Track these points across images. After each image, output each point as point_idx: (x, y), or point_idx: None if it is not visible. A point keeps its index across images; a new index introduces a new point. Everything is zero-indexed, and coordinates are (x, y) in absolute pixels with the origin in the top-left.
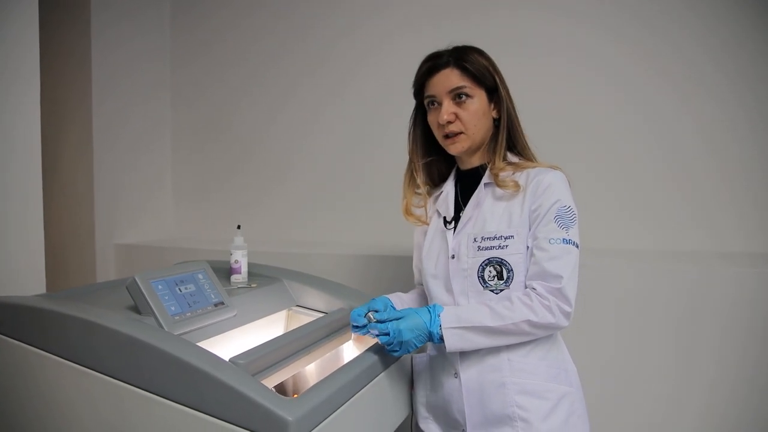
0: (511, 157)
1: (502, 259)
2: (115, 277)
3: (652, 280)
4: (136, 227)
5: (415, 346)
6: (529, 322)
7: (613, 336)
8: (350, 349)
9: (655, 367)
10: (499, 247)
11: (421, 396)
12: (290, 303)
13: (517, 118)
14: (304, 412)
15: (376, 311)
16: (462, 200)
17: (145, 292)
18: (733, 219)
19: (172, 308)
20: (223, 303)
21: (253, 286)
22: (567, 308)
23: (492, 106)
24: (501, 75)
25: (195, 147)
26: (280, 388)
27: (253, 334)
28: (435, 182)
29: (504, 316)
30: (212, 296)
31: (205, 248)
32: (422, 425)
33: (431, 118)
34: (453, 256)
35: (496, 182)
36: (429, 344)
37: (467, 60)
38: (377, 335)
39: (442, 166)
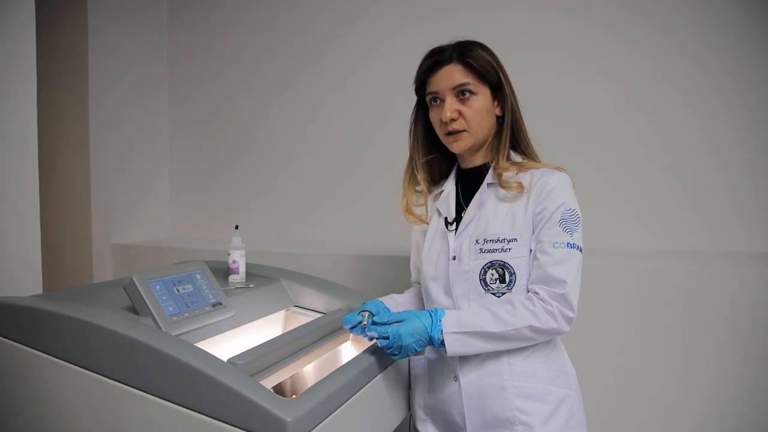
0: (515, 156)
1: (504, 263)
2: (112, 277)
3: (653, 280)
4: (133, 227)
5: (415, 350)
6: (532, 328)
7: (613, 336)
8: (348, 350)
9: (656, 366)
10: (502, 249)
11: (419, 398)
12: (288, 303)
13: (521, 115)
14: (303, 413)
15: (371, 314)
16: (463, 200)
17: (142, 293)
18: (734, 219)
19: (170, 309)
20: (221, 303)
21: (251, 286)
22: (570, 314)
23: (496, 103)
24: (505, 71)
25: (192, 146)
26: (279, 389)
27: (251, 335)
28: (435, 180)
29: (506, 322)
30: (210, 296)
31: (202, 248)
32: (420, 427)
33: (433, 115)
34: (454, 258)
35: (500, 183)
36: (428, 347)
37: (471, 56)
38: (377, 338)
39: (443, 164)
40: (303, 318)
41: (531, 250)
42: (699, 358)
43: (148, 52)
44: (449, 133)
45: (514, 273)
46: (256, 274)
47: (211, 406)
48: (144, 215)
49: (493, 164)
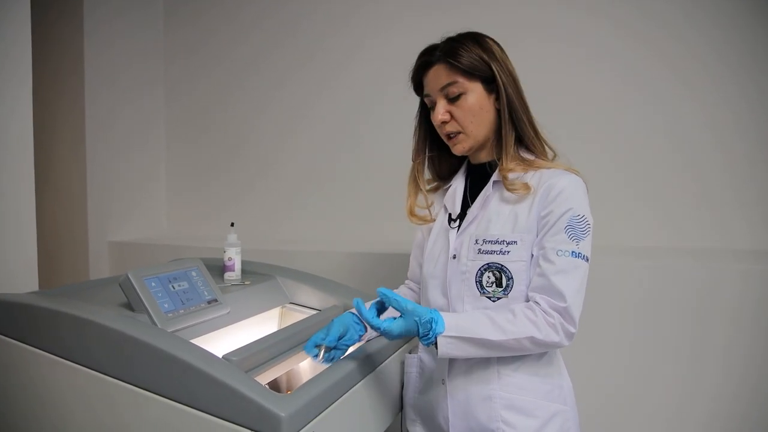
0: (524, 153)
1: (502, 266)
2: (108, 274)
3: (658, 277)
4: (129, 224)
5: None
6: (533, 339)
7: (616, 334)
8: None
9: (661, 364)
10: (500, 252)
11: (410, 397)
12: (284, 300)
13: (523, 107)
14: (297, 408)
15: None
16: (471, 196)
17: (138, 289)
18: (739, 216)
19: (166, 305)
20: (216, 300)
21: (246, 283)
22: (571, 329)
23: (494, 97)
24: (501, 62)
25: (188, 144)
26: (274, 385)
27: (247, 332)
28: (444, 176)
29: (506, 330)
30: (206, 293)
31: (198, 245)
32: (410, 427)
33: (431, 117)
34: (454, 257)
35: (505, 185)
36: (420, 345)
37: (455, 53)
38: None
39: (453, 159)
40: (298, 315)
41: (533, 255)
42: (704, 354)
43: (144, 50)
44: (448, 136)
45: (512, 278)
46: (252, 271)
47: (207, 401)
48: (140, 212)
49: (499, 164)
